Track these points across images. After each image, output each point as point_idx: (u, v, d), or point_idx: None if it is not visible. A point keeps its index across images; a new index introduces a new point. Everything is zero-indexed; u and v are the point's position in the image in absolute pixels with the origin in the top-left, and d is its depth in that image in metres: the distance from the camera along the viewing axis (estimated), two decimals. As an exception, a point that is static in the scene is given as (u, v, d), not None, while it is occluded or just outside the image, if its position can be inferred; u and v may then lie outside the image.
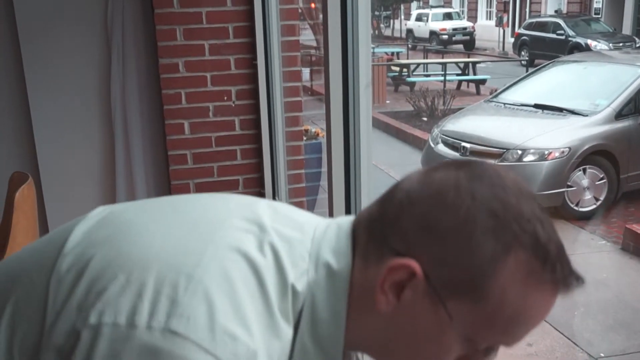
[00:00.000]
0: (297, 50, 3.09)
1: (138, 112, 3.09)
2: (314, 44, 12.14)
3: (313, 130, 4.73)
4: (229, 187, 2.99)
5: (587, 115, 6.33)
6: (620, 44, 15.99)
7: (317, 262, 0.69)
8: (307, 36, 12.00)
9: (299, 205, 3.17)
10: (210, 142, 2.97)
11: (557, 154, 5.91)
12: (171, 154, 2.95)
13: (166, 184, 3.08)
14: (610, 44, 15.86)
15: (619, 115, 6.23)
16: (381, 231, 0.69)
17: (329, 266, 0.69)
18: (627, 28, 19.03)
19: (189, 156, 2.96)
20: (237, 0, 2.89)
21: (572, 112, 6.45)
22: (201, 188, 2.94)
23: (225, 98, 2.97)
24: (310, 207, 3.88)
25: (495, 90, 8.58)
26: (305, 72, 10.61)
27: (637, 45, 16.12)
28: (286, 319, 0.65)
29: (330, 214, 1.84)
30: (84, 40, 3.06)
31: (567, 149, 5.92)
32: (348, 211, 1.82)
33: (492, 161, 6.09)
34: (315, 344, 0.68)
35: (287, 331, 0.65)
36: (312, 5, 12.67)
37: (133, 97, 3.07)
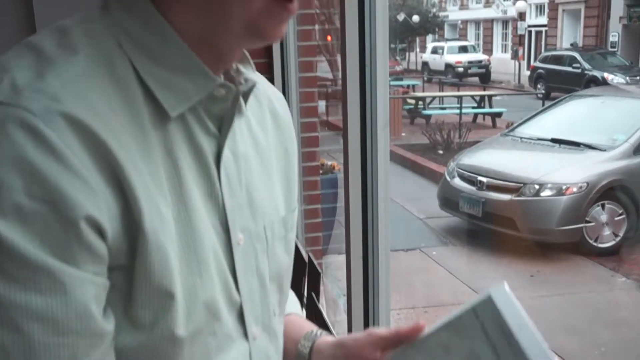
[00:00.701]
0: (314, 86, 3.11)
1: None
2: (330, 76, 12.25)
3: (329, 163, 4.73)
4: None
5: (605, 150, 6.29)
6: (637, 78, 15.93)
7: (104, 5, 0.66)
8: (322, 68, 12.11)
9: (315, 240, 3.16)
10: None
11: (574, 189, 5.86)
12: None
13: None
14: (627, 78, 15.81)
15: (638, 150, 6.19)
16: None
17: None
18: (643, 61, 18.99)
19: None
20: (256, 37, 2.93)
21: (590, 147, 6.42)
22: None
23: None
24: (326, 242, 3.86)
25: (512, 124, 8.57)
26: (321, 104, 10.69)
27: (655, 79, 16.06)
28: (64, 47, 0.60)
29: (348, 249, 1.83)
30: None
31: (585, 184, 5.88)
32: (365, 247, 1.81)
33: (509, 196, 6.06)
34: (172, 72, 0.64)
35: (64, 55, 0.60)
36: (329, 38, 12.81)
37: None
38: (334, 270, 4.35)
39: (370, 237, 1.80)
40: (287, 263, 0.80)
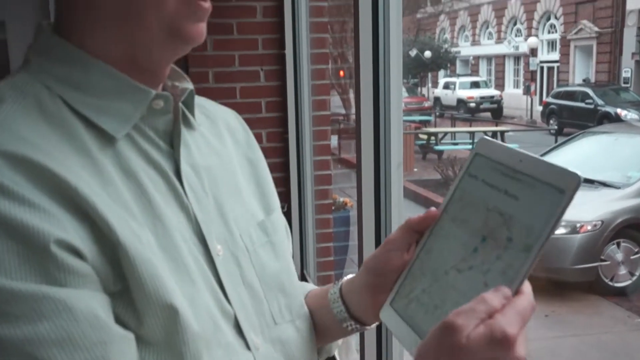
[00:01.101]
0: (327, 124, 3.13)
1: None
2: (342, 110, 12.34)
3: (341, 200, 4.73)
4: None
5: (619, 188, 6.25)
6: (651, 114, 15.91)
7: (26, 59, 0.68)
8: (334, 103, 12.21)
9: (327, 279, 3.14)
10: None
11: (589, 227, 5.80)
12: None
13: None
14: (641, 114, 15.81)
15: (653, 187, 6.15)
16: None
17: (33, 47, 0.67)
18: (656, 98, 18.97)
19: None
20: (270, 76, 2.96)
21: (604, 184, 6.37)
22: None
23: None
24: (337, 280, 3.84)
25: (525, 160, 8.54)
26: (333, 140, 10.74)
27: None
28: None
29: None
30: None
31: (600, 222, 5.82)
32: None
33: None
34: (105, 97, 0.65)
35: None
36: (341, 73, 12.94)
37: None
38: (346, 308, 4.30)
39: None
40: (279, 267, 0.79)
